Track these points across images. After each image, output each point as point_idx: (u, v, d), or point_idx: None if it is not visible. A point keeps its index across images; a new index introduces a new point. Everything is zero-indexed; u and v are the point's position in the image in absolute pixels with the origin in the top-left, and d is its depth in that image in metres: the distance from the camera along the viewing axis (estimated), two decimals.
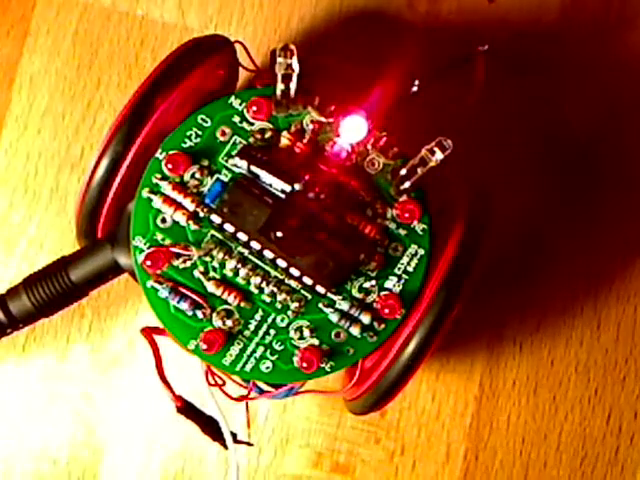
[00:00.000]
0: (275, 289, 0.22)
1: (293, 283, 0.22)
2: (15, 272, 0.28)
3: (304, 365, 0.21)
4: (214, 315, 0.22)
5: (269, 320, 0.22)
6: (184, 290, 0.21)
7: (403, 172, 0.21)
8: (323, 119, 0.22)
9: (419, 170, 0.21)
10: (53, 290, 0.23)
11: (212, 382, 0.23)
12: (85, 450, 0.28)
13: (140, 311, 0.28)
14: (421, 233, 0.22)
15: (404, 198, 0.22)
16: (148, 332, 0.23)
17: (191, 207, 0.22)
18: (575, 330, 0.28)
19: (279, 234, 0.20)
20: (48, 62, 0.29)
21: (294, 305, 0.22)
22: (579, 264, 0.28)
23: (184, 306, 0.21)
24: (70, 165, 0.28)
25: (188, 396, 0.23)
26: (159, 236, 0.22)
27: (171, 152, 0.22)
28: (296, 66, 0.20)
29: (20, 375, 0.28)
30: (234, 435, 0.23)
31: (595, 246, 0.29)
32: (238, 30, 0.29)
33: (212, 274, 0.22)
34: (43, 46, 0.29)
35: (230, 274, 0.22)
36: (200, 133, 0.22)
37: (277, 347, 0.22)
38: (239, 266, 0.22)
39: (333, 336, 0.22)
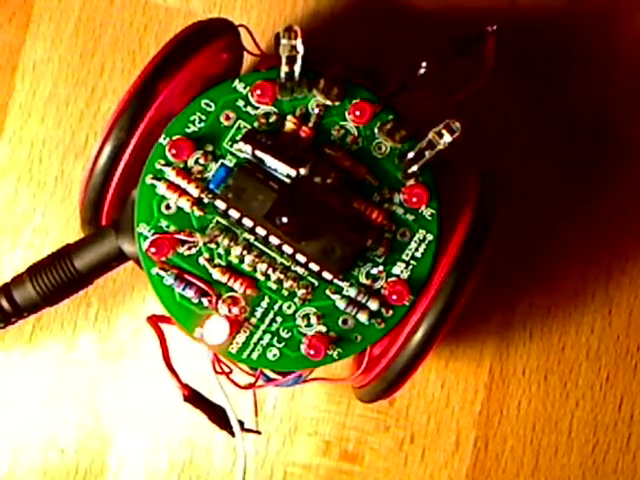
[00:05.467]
0: (282, 276, 0.21)
1: (300, 270, 0.21)
2: (20, 261, 0.28)
3: (311, 352, 0.21)
4: (220, 302, 0.21)
5: (276, 307, 0.22)
6: (189, 277, 0.21)
7: (411, 155, 0.21)
8: (328, 102, 0.22)
9: (427, 153, 0.20)
10: (58, 278, 0.23)
11: (219, 370, 0.23)
12: (93, 439, 0.28)
13: (147, 299, 0.28)
14: (429, 218, 0.22)
15: (412, 182, 0.22)
16: (154, 320, 0.23)
17: (195, 193, 0.21)
18: (586, 316, 0.28)
19: (285, 220, 0.20)
20: (51, 49, 0.28)
21: (301, 292, 0.21)
22: (590, 250, 0.28)
23: (189, 293, 0.21)
24: (74, 153, 0.28)
25: (195, 384, 0.23)
26: (163, 223, 0.22)
27: (175, 137, 0.22)
28: (300, 48, 0.20)
29: (27, 364, 0.28)
30: (242, 423, 0.23)
31: (607, 231, 0.28)
32: (242, 14, 0.28)
33: (217, 261, 0.21)
34: (46, 33, 0.28)
35: (236, 261, 0.21)
36: (204, 118, 0.22)
37: (284, 334, 0.22)
38: (245, 253, 0.21)
39: (340, 323, 0.22)
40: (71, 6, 0.29)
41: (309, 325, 0.21)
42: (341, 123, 0.22)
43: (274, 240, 0.21)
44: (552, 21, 0.28)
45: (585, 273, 0.28)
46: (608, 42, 0.28)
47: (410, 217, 0.22)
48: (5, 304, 0.23)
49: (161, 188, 0.21)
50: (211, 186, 0.21)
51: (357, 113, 0.21)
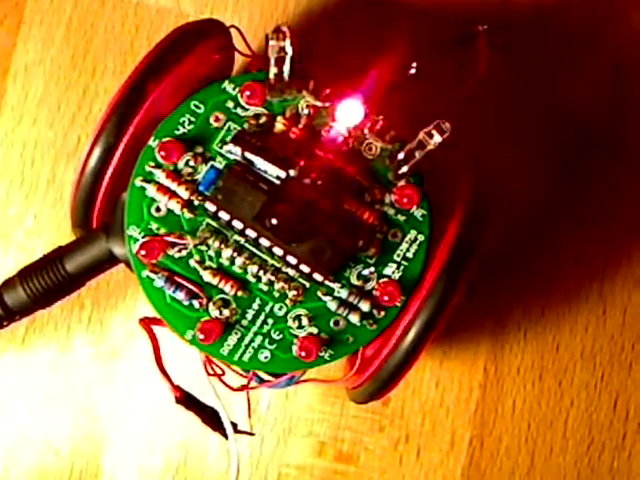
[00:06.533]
0: (272, 277, 0.21)
1: (290, 271, 0.21)
2: (12, 264, 0.28)
3: (303, 354, 0.21)
4: (211, 305, 0.21)
5: (267, 309, 0.22)
6: (180, 279, 0.21)
7: (401, 156, 0.21)
8: (318, 103, 0.22)
9: (417, 154, 0.20)
10: (49, 281, 0.23)
11: (211, 372, 0.23)
12: (87, 441, 0.28)
13: (139, 301, 0.28)
14: (420, 219, 0.22)
15: (402, 183, 0.22)
16: (146, 323, 0.23)
17: (185, 195, 0.21)
18: (580, 316, 0.28)
19: (274, 221, 0.20)
20: (43, 51, 0.28)
21: (292, 293, 0.21)
22: (584, 249, 0.28)
23: (180, 296, 0.21)
24: (66, 155, 0.28)
25: (188, 386, 0.23)
26: (154, 225, 0.21)
27: (164, 139, 0.21)
28: (289, 49, 0.20)
29: (21, 366, 0.28)
30: (235, 425, 0.23)
31: (600, 230, 0.28)
32: (234, 15, 0.28)
33: (208, 263, 0.21)
34: (37, 35, 0.28)
35: (226, 263, 0.21)
36: (193, 119, 0.22)
37: (275, 336, 0.22)
38: (235, 255, 0.21)
39: (332, 324, 0.22)
40: (62, 8, 0.28)
41: (300, 327, 0.21)
42: (331, 124, 0.22)
43: (264, 242, 0.21)
44: (546, 19, 0.28)
45: (579, 273, 0.28)
46: (604, 41, 0.28)
47: (401, 218, 0.22)
48: None
49: (151, 190, 0.21)
50: (201, 188, 0.21)
51: None
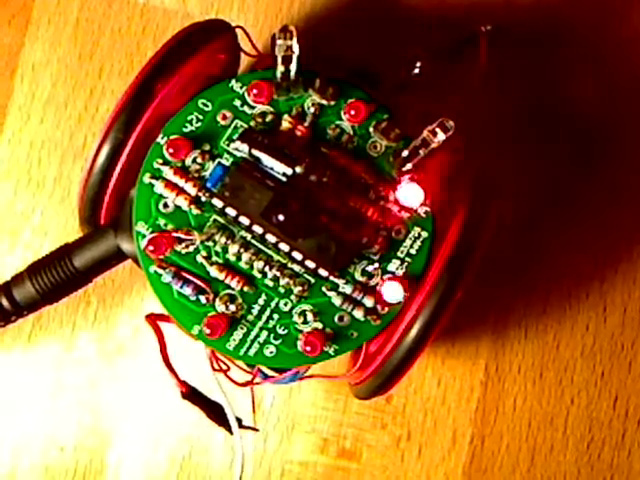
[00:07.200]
0: (278, 273, 0.22)
1: (296, 267, 0.22)
2: (20, 261, 0.28)
3: (308, 349, 0.21)
4: (217, 300, 0.22)
5: (272, 304, 0.22)
6: (187, 275, 0.21)
7: (405, 154, 0.21)
8: (324, 102, 0.22)
9: (421, 151, 0.21)
10: (57, 277, 0.23)
11: (217, 368, 0.23)
12: (92, 437, 0.28)
13: (145, 298, 0.28)
14: (424, 215, 0.22)
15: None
16: (152, 319, 0.23)
17: (193, 191, 0.22)
18: (581, 314, 0.28)
19: (281, 217, 0.20)
20: (50, 51, 0.29)
21: (297, 289, 0.22)
22: (584, 248, 0.28)
23: (187, 291, 0.21)
24: (73, 154, 0.29)
25: (193, 382, 0.23)
26: (161, 221, 0.22)
27: (172, 137, 0.22)
28: (296, 48, 0.20)
29: (26, 363, 0.28)
30: (239, 420, 0.23)
31: (600, 229, 0.28)
32: (239, 16, 0.29)
33: (215, 259, 0.22)
34: (45, 35, 0.29)
35: (233, 258, 0.22)
36: (201, 117, 0.22)
37: (281, 331, 0.22)
38: (242, 250, 0.22)
39: (337, 320, 0.22)
40: (70, 9, 0.29)
41: (305, 322, 0.22)
42: (337, 122, 0.22)
43: (270, 238, 0.21)
44: (548, 22, 0.28)
45: (580, 271, 0.28)
46: (605, 41, 0.28)
47: (405, 215, 0.22)
48: (5, 302, 0.24)
49: (159, 187, 0.22)
50: (208, 185, 0.21)
51: (352, 112, 0.22)
